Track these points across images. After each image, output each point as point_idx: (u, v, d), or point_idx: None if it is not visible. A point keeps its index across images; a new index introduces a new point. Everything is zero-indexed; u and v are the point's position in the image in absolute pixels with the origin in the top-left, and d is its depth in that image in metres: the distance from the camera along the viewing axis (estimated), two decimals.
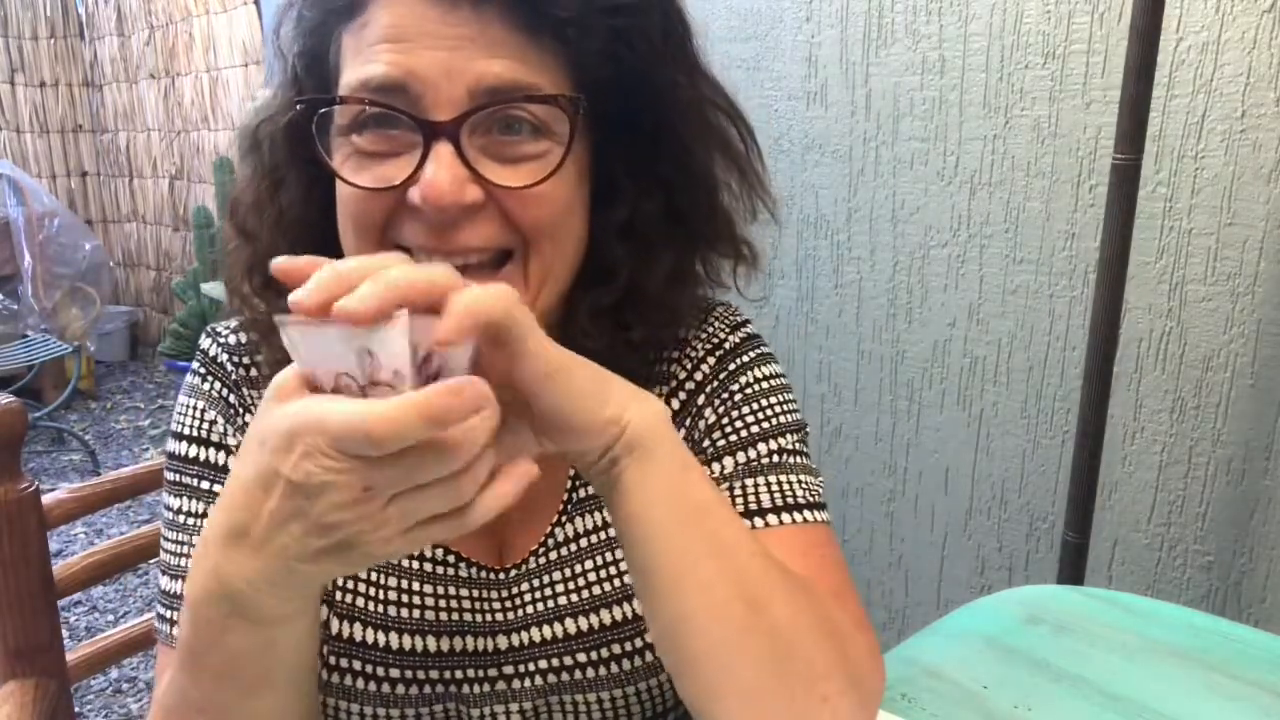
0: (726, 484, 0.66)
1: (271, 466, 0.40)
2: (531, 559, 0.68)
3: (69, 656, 0.92)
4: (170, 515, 0.66)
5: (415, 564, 0.67)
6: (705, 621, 0.51)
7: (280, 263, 0.42)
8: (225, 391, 0.68)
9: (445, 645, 0.66)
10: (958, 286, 1.44)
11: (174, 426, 0.68)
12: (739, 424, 0.69)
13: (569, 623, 0.67)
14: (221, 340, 0.70)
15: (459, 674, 0.67)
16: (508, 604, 0.68)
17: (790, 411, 0.71)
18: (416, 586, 0.67)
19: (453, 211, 0.54)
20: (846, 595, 0.64)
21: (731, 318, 0.74)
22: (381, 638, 0.65)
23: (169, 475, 0.67)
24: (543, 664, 0.67)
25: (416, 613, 0.66)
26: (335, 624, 0.65)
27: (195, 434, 0.67)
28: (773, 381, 0.72)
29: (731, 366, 0.71)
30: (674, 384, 0.71)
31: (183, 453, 0.67)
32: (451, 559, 0.67)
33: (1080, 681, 0.74)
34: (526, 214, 0.57)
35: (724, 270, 0.71)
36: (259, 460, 0.41)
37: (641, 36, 0.58)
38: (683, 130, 0.63)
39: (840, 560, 0.67)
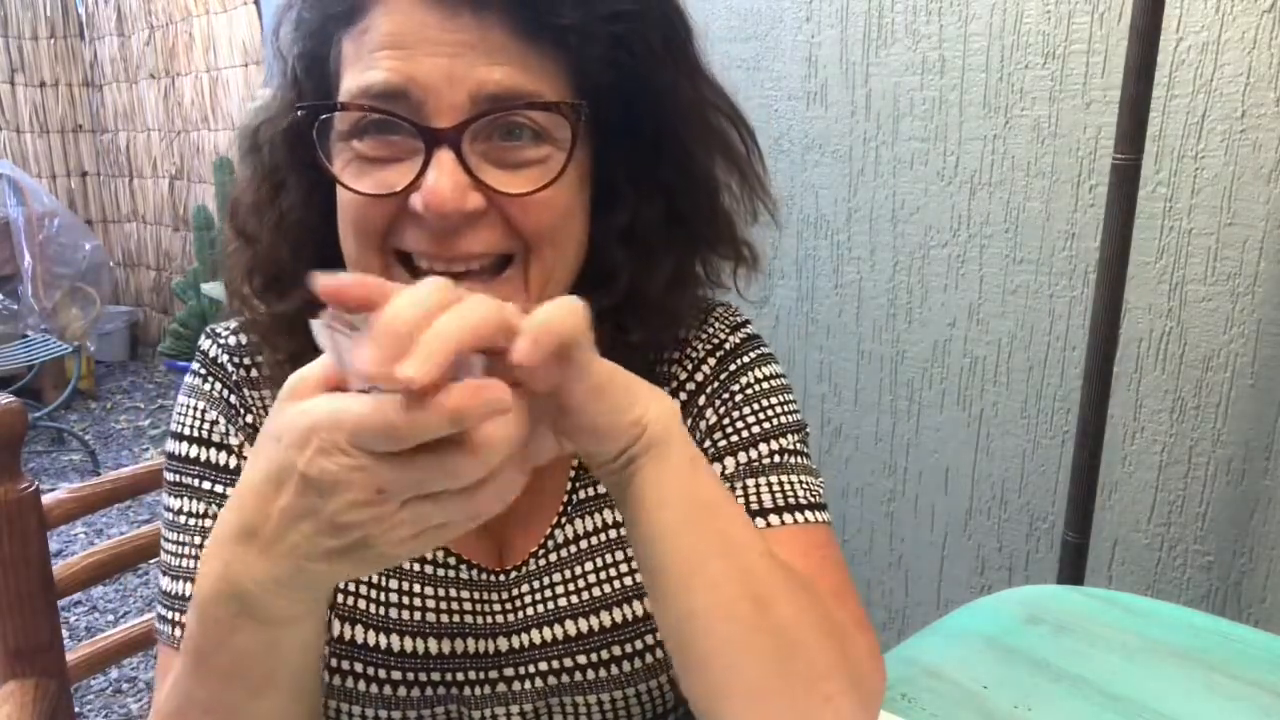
0: (728, 484, 0.66)
1: (286, 462, 0.40)
2: (531, 561, 0.68)
3: (69, 656, 0.92)
4: (170, 516, 0.66)
5: (415, 566, 0.67)
6: (713, 620, 0.51)
7: (328, 283, 0.40)
8: (226, 392, 0.68)
9: (446, 647, 0.66)
10: (958, 286, 1.44)
11: (173, 427, 0.68)
12: (740, 424, 0.69)
13: (569, 624, 0.67)
14: (221, 341, 0.69)
15: (460, 676, 0.67)
16: (508, 606, 0.68)
17: (791, 412, 0.71)
18: (417, 589, 0.67)
19: (454, 218, 0.54)
20: (847, 595, 0.64)
21: (731, 318, 0.74)
22: (382, 640, 0.65)
23: (169, 476, 0.67)
24: (543, 666, 0.67)
25: (417, 615, 0.66)
26: (336, 626, 0.65)
27: (196, 434, 0.67)
28: (773, 382, 0.72)
29: (732, 367, 0.71)
30: (674, 385, 0.71)
31: (183, 453, 0.67)
32: (452, 561, 0.67)
33: (1080, 681, 0.74)
34: (528, 220, 0.57)
35: (724, 271, 0.71)
36: (273, 456, 0.41)
37: (642, 42, 0.58)
38: (684, 134, 0.63)
39: (840, 560, 0.67)
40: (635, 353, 0.65)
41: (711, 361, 0.72)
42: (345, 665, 0.65)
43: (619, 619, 0.67)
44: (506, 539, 0.69)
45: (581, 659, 0.67)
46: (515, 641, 0.67)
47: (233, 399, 0.67)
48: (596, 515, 0.69)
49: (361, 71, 0.55)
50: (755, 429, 0.69)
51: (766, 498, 0.66)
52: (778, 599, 0.52)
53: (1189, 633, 0.81)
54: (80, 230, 4.49)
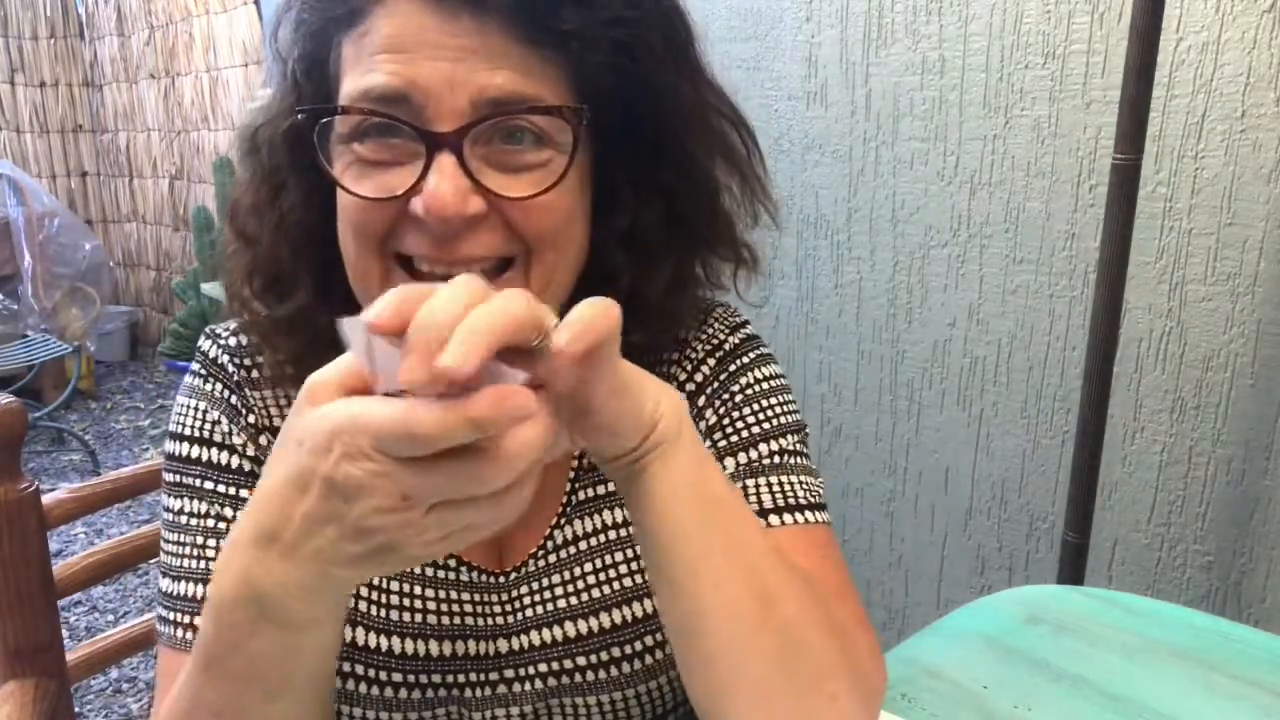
0: None
1: (308, 467, 0.40)
2: (531, 562, 0.68)
3: (69, 656, 0.92)
4: (171, 517, 0.66)
5: (417, 568, 0.67)
6: (719, 618, 0.51)
7: (380, 322, 0.39)
8: (227, 393, 0.67)
9: (447, 649, 0.66)
10: (958, 286, 1.44)
11: (173, 428, 0.68)
12: (740, 425, 0.69)
13: (569, 626, 0.67)
14: (222, 342, 0.69)
15: (461, 678, 0.67)
16: (508, 607, 0.68)
17: (790, 412, 0.71)
18: (418, 591, 0.67)
19: (455, 223, 0.54)
20: (847, 595, 0.64)
21: (731, 319, 0.74)
22: (384, 642, 0.65)
23: (168, 477, 0.67)
24: (543, 667, 0.67)
25: (419, 617, 0.66)
26: None
27: (196, 434, 0.67)
28: (773, 382, 0.72)
29: (732, 368, 0.71)
30: (674, 385, 0.71)
31: (183, 453, 0.67)
32: (452, 563, 0.67)
33: (1080, 681, 0.74)
34: (529, 223, 0.56)
35: (724, 273, 0.71)
36: (295, 461, 0.41)
37: (644, 46, 0.58)
38: (685, 137, 0.62)
39: (840, 561, 0.67)
40: (635, 354, 0.65)
41: (711, 362, 0.72)
42: (346, 667, 0.65)
43: (619, 620, 0.67)
44: (506, 540, 0.69)
45: (581, 660, 0.67)
46: (516, 643, 0.67)
47: (234, 399, 0.67)
48: (596, 516, 0.69)
49: (362, 75, 0.55)
50: (755, 429, 0.69)
51: (766, 498, 0.66)
52: (783, 597, 0.52)
53: (1189, 633, 0.81)
54: (80, 230, 4.49)
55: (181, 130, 4.41)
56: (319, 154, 0.57)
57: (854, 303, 1.58)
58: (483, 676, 0.67)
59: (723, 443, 0.69)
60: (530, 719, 0.68)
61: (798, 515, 0.66)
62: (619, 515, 0.70)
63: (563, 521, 0.69)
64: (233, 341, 0.69)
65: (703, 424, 0.70)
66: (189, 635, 0.62)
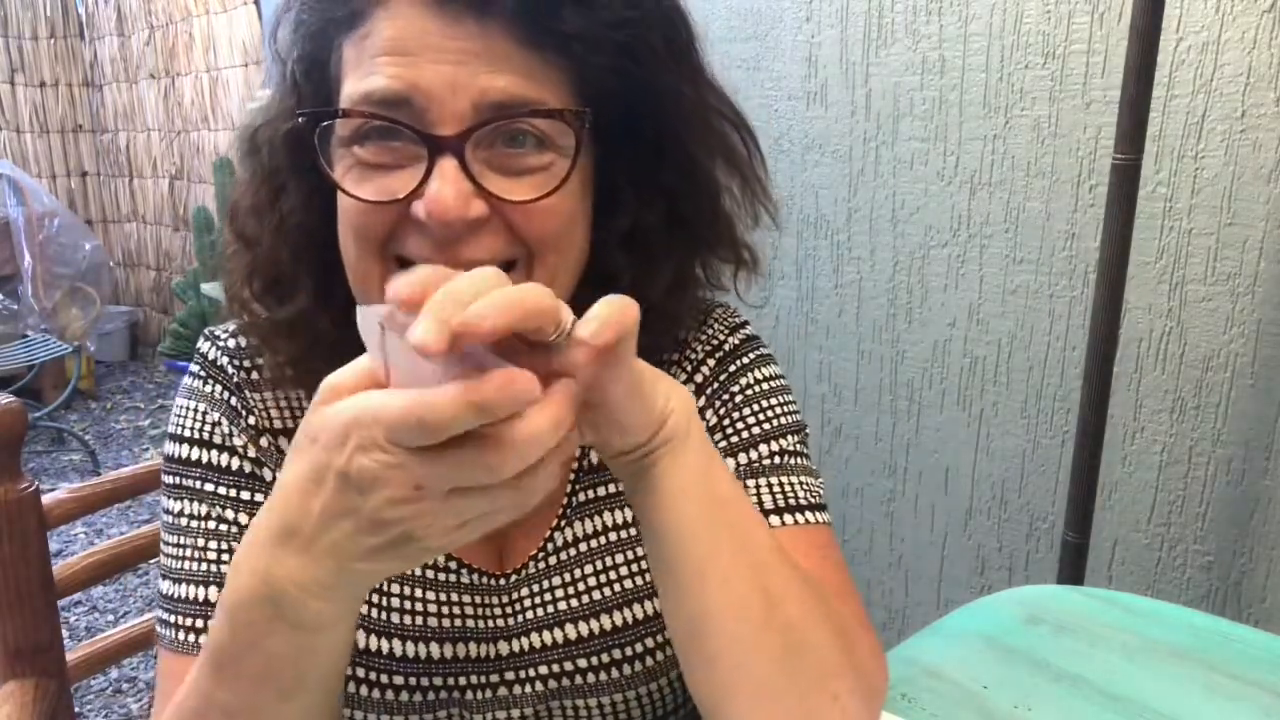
0: None
1: (324, 462, 0.40)
2: (531, 564, 0.68)
3: (69, 656, 0.92)
4: (170, 519, 0.66)
5: (417, 570, 0.67)
6: (724, 617, 0.51)
7: (403, 291, 0.39)
8: (227, 394, 0.67)
9: (449, 652, 0.66)
10: (958, 286, 1.44)
11: (172, 429, 0.68)
12: (740, 426, 0.69)
13: (569, 628, 0.67)
14: (221, 344, 0.69)
15: (462, 680, 0.67)
16: (509, 609, 0.68)
17: (791, 413, 0.71)
18: (419, 593, 0.67)
19: (458, 226, 0.54)
20: (848, 595, 0.64)
21: (730, 319, 0.74)
22: (385, 644, 0.65)
23: (168, 479, 0.67)
24: (544, 669, 0.67)
25: (420, 619, 0.66)
26: None
27: (196, 436, 0.66)
28: (773, 383, 0.72)
29: (732, 368, 0.71)
30: None
31: (183, 455, 0.66)
32: (453, 565, 0.67)
33: (1080, 681, 0.74)
34: (531, 226, 0.56)
35: (724, 274, 0.70)
36: (311, 457, 0.41)
37: (646, 48, 0.58)
38: (686, 138, 0.62)
39: (841, 561, 0.67)
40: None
41: (711, 363, 0.72)
42: (348, 670, 0.65)
43: (619, 622, 0.67)
44: (507, 542, 0.69)
45: (582, 662, 0.67)
46: (516, 645, 0.67)
47: (234, 401, 0.67)
48: (596, 518, 0.69)
49: (363, 77, 0.54)
50: (755, 430, 0.69)
51: (767, 499, 0.66)
52: (788, 597, 0.52)
53: (1189, 633, 0.81)
54: (80, 230, 4.49)
55: (181, 130, 4.41)
56: (320, 157, 0.57)
57: (854, 303, 1.58)
58: (484, 679, 0.67)
59: (723, 444, 0.69)
60: None
61: (798, 516, 0.66)
62: (620, 517, 0.70)
63: (563, 523, 0.69)
64: (232, 343, 0.69)
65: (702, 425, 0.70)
66: (190, 637, 0.62)
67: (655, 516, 0.51)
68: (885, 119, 1.47)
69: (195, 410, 0.67)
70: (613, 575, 0.68)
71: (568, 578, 0.68)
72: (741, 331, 0.74)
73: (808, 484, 0.68)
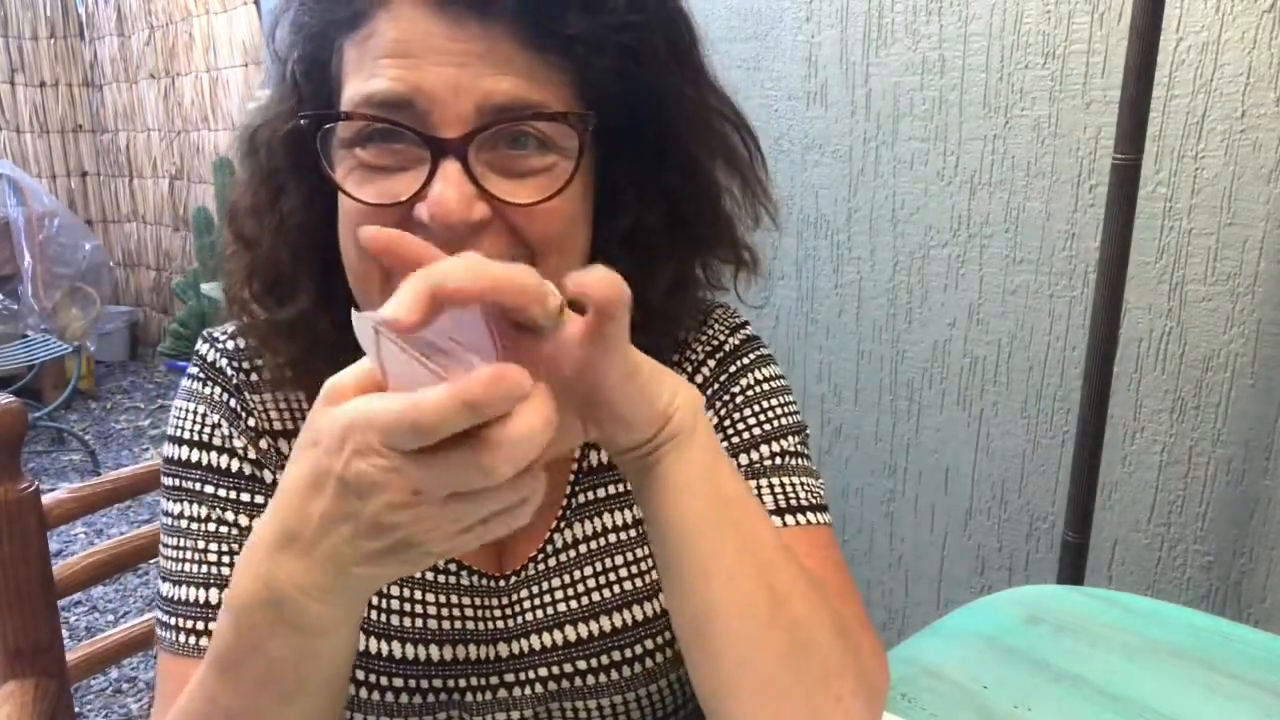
0: None
1: (324, 467, 0.40)
2: (531, 565, 0.68)
3: (69, 656, 0.92)
4: (170, 521, 0.65)
5: (417, 573, 0.67)
6: (729, 615, 0.51)
7: (378, 235, 0.42)
8: (226, 396, 0.67)
9: (448, 654, 0.66)
10: (958, 286, 1.44)
11: (171, 431, 0.67)
12: (740, 426, 0.69)
13: (569, 629, 0.67)
14: (220, 345, 0.69)
15: (461, 682, 0.67)
16: (508, 611, 0.68)
17: (791, 414, 0.71)
18: (419, 595, 0.67)
19: (461, 229, 0.54)
20: (849, 596, 0.64)
21: (730, 319, 0.74)
22: (385, 647, 0.65)
23: (167, 481, 0.66)
24: (543, 671, 0.67)
25: (419, 621, 0.66)
26: None
27: (195, 438, 0.66)
28: (773, 383, 0.72)
29: (732, 369, 0.71)
30: None
31: (182, 457, 0.66)
32: (453, 567, 0.67)
33: (1080, 681, 0.74)
34: (534, 228, 0.56)
35: (724, 274, 0.70)
36: (311, 461, 0.41)
37: (649, 50, 0.57)
38: (689, 140, 0.62)
39: (841, 562, 0.67)
40: None
41: (711, 363, 0.72)
42: None
43: (619, 623, 0.67)
44: (506, 544, 0.69)
45: (582, 664, 0.67)
46: (516, 647, 0.67)
47: (233, 402, 0.67)
48: (596, 519, 0.69)
49: (365, 79, 0.54)
50: (756, 431, 0.69)
51: (768, 499, 0.66)
52: (793, 595, 0.52)
53: (1189, 633, 0.81)
54: (80, 230, 4.49)
55: (181, 130, 4.41)
56: (322, 159, 0.57)
57: (854, 303, 1.58)
58: (483, 681, 0.67)
59: (724, 444, 0.68)
60: None
61: (799, 516, 0.66)
62: (619, 518, 0.70)
63: (563, 525, 0.69)
64: (231, 345, 0.69)
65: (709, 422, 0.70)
66: (191, 639, 0.62)
67: (661, 513, 0.51)
68: (885, 119, 1.47)
69: (194, 412, 0.67)
70: (613, 577, 0.68)
71: (567, 579, 0.68)
72: (742, 332, 0.74)
73: (808, 485, 0.68)
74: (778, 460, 0.68)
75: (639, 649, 0.67)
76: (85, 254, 4.40)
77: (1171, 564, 1.30)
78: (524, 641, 0.67)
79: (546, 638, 0.67)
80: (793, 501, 0.66)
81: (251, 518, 0.65)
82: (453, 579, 0.67)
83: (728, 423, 0.69)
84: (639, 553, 0.69)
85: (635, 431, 0.49)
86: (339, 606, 0.45)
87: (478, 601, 0.67)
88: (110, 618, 2.51)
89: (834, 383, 1.65)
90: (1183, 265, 1.22)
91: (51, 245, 4.29)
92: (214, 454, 0.66)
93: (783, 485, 0.67)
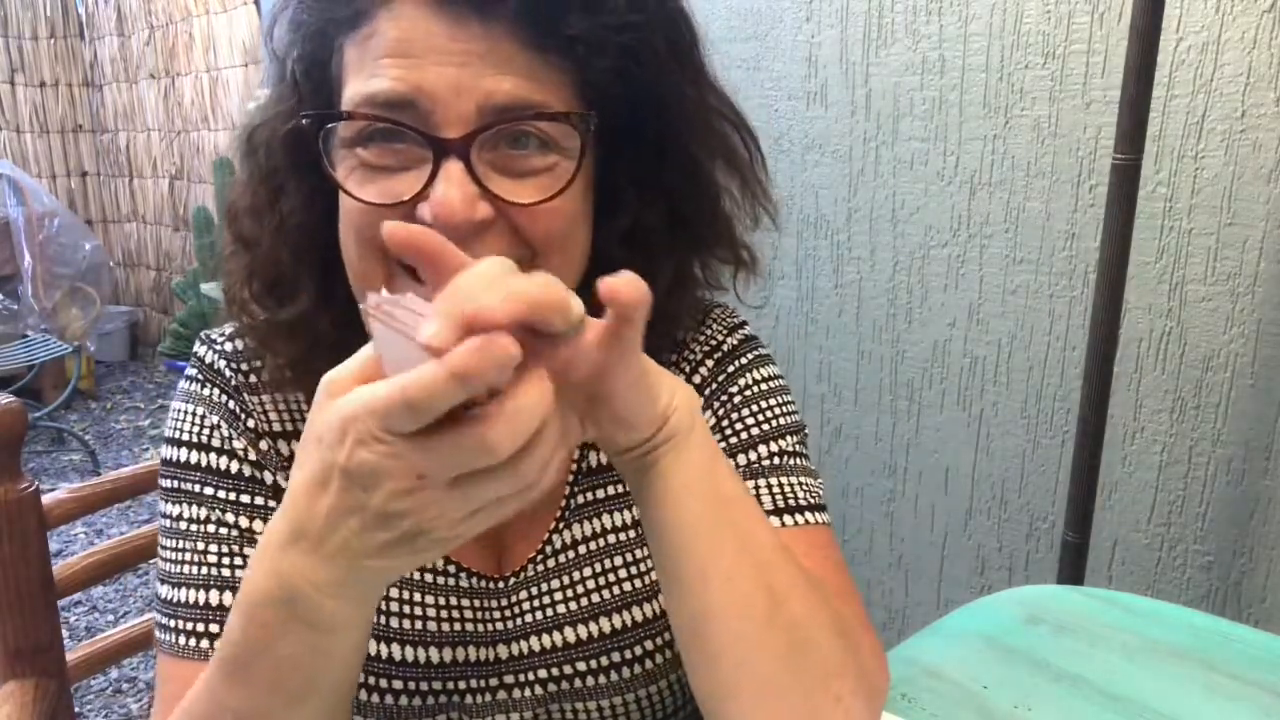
0: None
1: (328, 461, 0.40)
2: (530, 567, 0.68)
3: (69, 656, 0.92)
4: (169, 523, 0.65)
5: (416, 574, 0.67)
6: (728, 615, 0.51)
7: (398, 230, 0.41)
8: (225, 398, 0.67)
9: (447, 656, 0.66)
10: (958, 286, 1.44)
11: (169, 433, 0.67)
12: (739, 426, 0.69)
13: (568, 631, 0.67)
14: (218, 347, 0.69)
15: (460, 684, 0.66)
16: (507, 613, 0.67)
17: (790, 413, 0.71)
18: (417, 597, 0.67)
19: (464, 229, 0.53)
20: (849, 596, 0.64)
21: (729, 319, 0.74)
22: (384, 649, 0.65)
23: (166, 483, 0.66)
24: (543, 673, 0.67)
25: (418, 624, 0.66)
26: None
27: (194, 439, 0.66)
28: (772, 383, 0.72)
29: (730, 369, 0.71)
30: None
31: (181, 459, 0.66)
32: (451, 568, 0.67)
33: (1080, 681, 0.74)
34: (536, 228, 0.56)
35: (723, 274, 0.70)
36: (316, 457, 0.40)
37: (649, 51, 0.57)
38: (689, 140, 0.62)
39: (841, 562, 0.67)
40: None
41: (710, 363, 0.72)
42: None
43: (619, 625, 0.67)
44: (505, 545, 0.69)
45: (581, 665, 0.67)
46: (515, 648, 0.67)
47: (232, 404, 0.67)
48: (594, 520, 0.69)
49: (367, 79, 0.54)
50: (755, 430, 0.69)
51: (767, 500, 0.66)
52: (792, 596, 0.52)
53: (1189, 633, 0.81)
54: (80, 230, 4.49)
55: (181, 130, 4.41)
56: (324, 161, 0.57)
57: (854, 303, 1.58)
58: (482, 682, 0.67)
59: (722, 444, 0.68)
60: None
61: (798, 516, 0.66)
62: (618, 519, 0.69)
63: (561, 526, 0.69)
64: (229, 346, 0.68)
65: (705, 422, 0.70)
66: (191, 642, 0.61)
67: (658, 514, 0.51)
68: (885, 119, 1.47)
69: (193, 414, 0.67)
70: (612, 578, 0.68)
71: (566, 580, 0.68)
72: (740, 332, 0.74)
73: (807, 484, 0.68)
74: (776, 460, 0.68)
75: (638, 650, 0.67)
76: (85, 254, 4.40)
77: (1171, 564, 1.30)
78: (523, 643, 0.67)
79: (546, 639, 0.67)
80: (791, 501, 0.66)
81: (252, 519, 0.65)
82: (451, 580, 0.67)
83: (726, 422, 0.69)
84: (638, 554, 0.69)
85: (634, 432, 0.49)
86: (352, 602, 0.44)
87: (477, 603, 0.67)
88: (110, 618, 2.51)
89: (834, 383, 1.64)
90: (1183, 265, 1.22)
91: (51, 245, 4.29)
92: (213, 455, 0.65)
93: (781, 485, 0.67)
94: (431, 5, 0.53)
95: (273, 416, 0.68)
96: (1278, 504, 1.20)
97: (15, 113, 4.76)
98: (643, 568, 0.69)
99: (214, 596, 0.62)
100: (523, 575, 0.68)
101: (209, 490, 0.65)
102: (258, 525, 0.64)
